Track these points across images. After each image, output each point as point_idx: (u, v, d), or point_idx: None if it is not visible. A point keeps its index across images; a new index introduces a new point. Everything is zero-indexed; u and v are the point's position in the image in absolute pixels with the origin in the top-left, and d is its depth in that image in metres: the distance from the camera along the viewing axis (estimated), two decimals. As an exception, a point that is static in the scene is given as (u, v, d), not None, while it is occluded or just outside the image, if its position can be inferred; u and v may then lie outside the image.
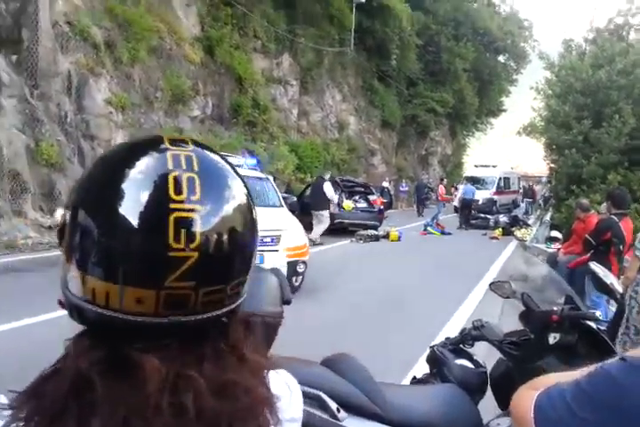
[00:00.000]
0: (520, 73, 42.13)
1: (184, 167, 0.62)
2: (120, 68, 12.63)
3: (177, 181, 0.61)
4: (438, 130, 35.03)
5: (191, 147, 0.65)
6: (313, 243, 11.55)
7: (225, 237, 0.63)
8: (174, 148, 0.64)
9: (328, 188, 12.57)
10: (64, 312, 0.67)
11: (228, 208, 0.64)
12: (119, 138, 12.30)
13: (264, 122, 18.29)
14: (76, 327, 0.66)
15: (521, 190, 31.26)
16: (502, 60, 41.27)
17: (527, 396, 0.84)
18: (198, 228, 0.60)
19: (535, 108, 16.51)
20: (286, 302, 1.74)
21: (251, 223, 0.68)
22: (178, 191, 0.60)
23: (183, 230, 0.59)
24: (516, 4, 42.12)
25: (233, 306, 0.68)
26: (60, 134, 10.83)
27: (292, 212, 8.13)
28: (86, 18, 11.71)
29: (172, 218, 0.59)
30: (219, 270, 0.64)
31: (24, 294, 5.75)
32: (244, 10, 17.85)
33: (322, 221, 12.46)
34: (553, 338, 2.08)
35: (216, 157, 0.68)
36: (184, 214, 0.60)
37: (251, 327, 0.76)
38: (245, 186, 0.70)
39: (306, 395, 1.78)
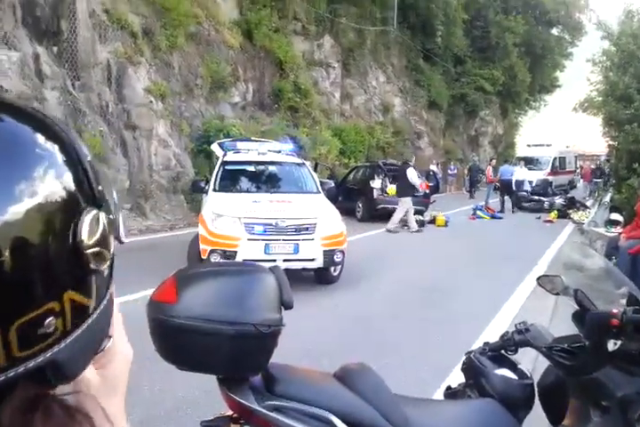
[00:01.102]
0: (575, 46, 40.03)
1: None
2: (159, 56, 12.61)
3: None
4: (488, 109, 33.77)
5: None
6: (391, 231, 11.88)
7: None
8: None
9: (412, 173, 12.17)
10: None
11: None
12: (160, 127, 12.35)
13: (306, 106, 18.01)
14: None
15: (578, 170, 29.91)
16: (556, 33, 39.28)
17: None
18: None
19: (592, 81, 15.52)
20: (286, 306, 1.48)
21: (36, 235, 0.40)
22: None
23: None
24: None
25: None
26: (102, 125, 10.93)
27: (333, 198, 7.87)
28: (123, 6, 11.70)
29: None
30: None
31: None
32: (283, -9, 17.52)
33: (399, 207, 12.10)
34: (613, 344, 1.74)
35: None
36: None
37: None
38: (72, 171, 0.44)
39: (314, 417, 1.54)
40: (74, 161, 0.45)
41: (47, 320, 0.40)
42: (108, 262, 0.47)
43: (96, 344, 0.49)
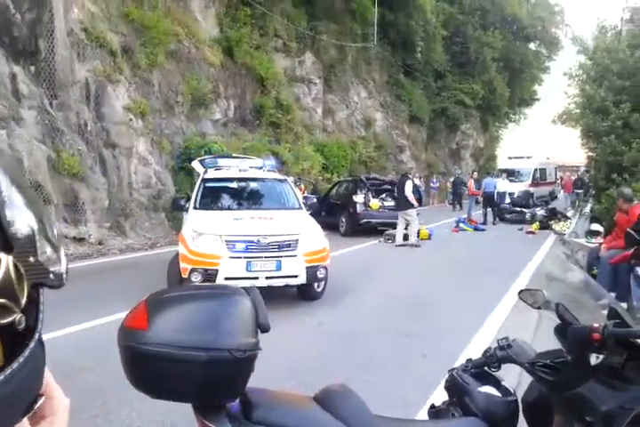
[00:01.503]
0: (553, 60, 40.95)
1: None
2: (138, 74, 12.57)
3: None
4: (469, 123, 34.25)
5: None
6: (413, 245, 11.95)
7: None
8: None
9: (408, 186, 12.25)
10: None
11: None
12: (140, 145, 12.27)
13: (288, 122, 18.07)
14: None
15: (558, 181, 30.32)
16: (533, 48, 40.17)
17: None
18: None
19: (569, 94, 15.82)
20: (262, 329, 1.42)
21: None
22: None
23: None
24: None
25: None
26: (80, 144, 10.82)
27: (316, 213, 7.83)
28: (102, 24, 11.67)
29: None
30: None
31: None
32: (263, 9, 17.66)
33: (410, 221, 12.17)
34: (595, 358, 1.71)
35: None
36: None
37: None
38: None
39: None
40: None
41: None
42: (19, 315, 0.41)
43: (15, 407, 0.43)
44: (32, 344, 0.44)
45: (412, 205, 12.23)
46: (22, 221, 0.43)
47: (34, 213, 0.45)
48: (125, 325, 1.28)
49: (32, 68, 10.30)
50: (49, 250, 0.45)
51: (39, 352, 0.45)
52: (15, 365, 0.41)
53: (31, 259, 0.43)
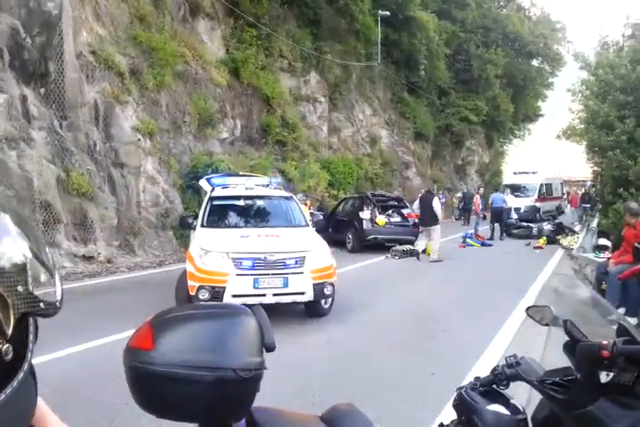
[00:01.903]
0: (556, 76, 41.18)
1: None
2: (146, 95, 12.75)
3: None
4: (474, 139, 34.39)
5: None
6: (436, 261, 11.90)
7: None
8: None
9: (436, 202, 12.52)
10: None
11: None
12: (149, 164, 12.39)
13: (294, 140, 18.22)
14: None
15: (565, 196, 30.26)
16: (536, 64, 40.44)
17: None
18: None
19: (573, 110, 15.87)
20: (268, 348, 1.43)
21: None
22: None
23: None
24: (547, 6, 41.58)
25: None
26: (89, 164, 10.94)
27: (323, 230, 7.85)
28: (110, 47, 11.90)
29: None
30: None
31: (49, 329, 5.66)
32: (269, 30, 17.95)
33: (435, 237, 12.31)
34: (605, 376, 1.69)
35: None
36: None
37: None
38: None
39: None
40: None
41: None
42: (5, 345, 0.40)
43: None
44: (21, 375, 0.43)
45: (437, 221, 12.41)
46: (11, 251, 0.42)
47: (27, 242, 0.44)
48: (130, 345, 1.28)
49: (42, 90, 10.48)
50: (43, 278, 0.44)
51: (29, 383, 0.44)
52: (2, 397, 0.40)
53: (20, 288, 0.42)
